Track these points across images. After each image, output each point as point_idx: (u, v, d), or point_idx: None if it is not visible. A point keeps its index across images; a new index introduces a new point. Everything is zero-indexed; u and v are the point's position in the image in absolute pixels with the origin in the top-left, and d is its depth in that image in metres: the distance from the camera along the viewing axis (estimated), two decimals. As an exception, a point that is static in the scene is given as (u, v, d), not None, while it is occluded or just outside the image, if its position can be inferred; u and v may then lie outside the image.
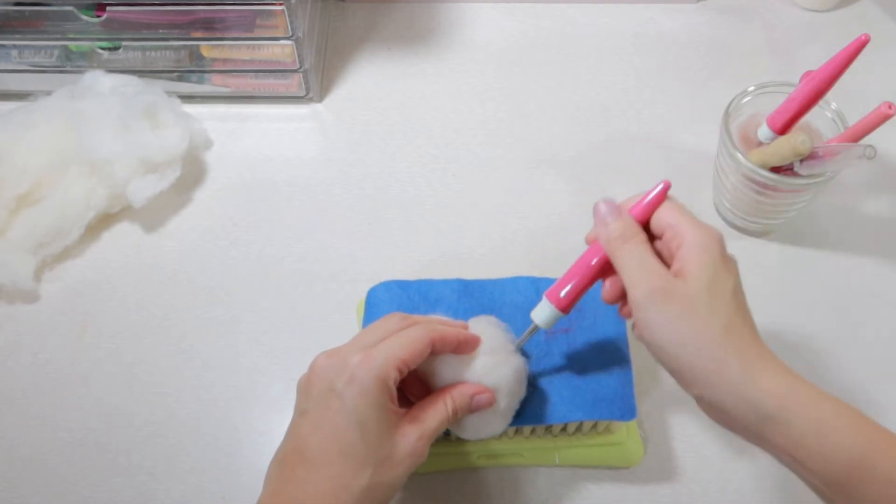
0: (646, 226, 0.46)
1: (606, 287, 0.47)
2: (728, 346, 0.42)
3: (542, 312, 0.48)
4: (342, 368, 0.44)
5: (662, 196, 0.46)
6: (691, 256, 0.43)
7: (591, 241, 0.47)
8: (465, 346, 0.48)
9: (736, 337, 0.42)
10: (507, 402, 0.49)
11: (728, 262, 0.44)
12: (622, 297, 0.46)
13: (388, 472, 0.44)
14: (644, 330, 0.44)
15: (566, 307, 0.48)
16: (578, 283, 0.47)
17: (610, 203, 0.46)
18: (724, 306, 0.43)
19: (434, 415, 0.46)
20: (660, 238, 0.46)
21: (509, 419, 0.50)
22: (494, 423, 0.50)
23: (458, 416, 0.47)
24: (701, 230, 0.44)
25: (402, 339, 0.45)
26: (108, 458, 0.58)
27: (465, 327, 0.50)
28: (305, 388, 0.46)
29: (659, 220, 0.46)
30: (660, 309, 0.43)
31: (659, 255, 0.45)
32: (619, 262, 0.45)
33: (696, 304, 0.42)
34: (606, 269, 0.46)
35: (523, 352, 0.51)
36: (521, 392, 0.50)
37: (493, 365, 0.48)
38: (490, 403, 0.48)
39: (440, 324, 0.49)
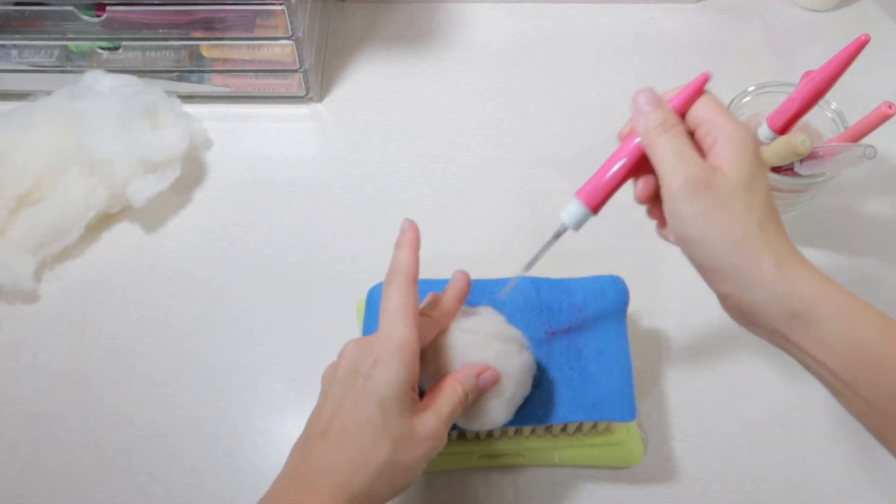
0: (682, 119, 0.45)
1: (639, 186, 0.46)
2: (762, 242, 0.41)
3: (572, 212, 0.46)
4: (368, 353, 0.45)
5: (700, 87, 0.44)
6: (728, 152, 0.42)
7: (625, 136, 0.46)
8: (463, 293, 0.51)
9: (770, 234, 0.42)
10: (514, 392, 0.49)
11: (761, 163, 0.43)
12: (655, 197, 0.45)
13: (406, 452, 0.45)
14: (678, 223, 0.43)
15: (596, 206, 0.46)
16: (610, 180, 0.45)
17: (649, 92, 0.45)
18: (759, 203, 0.42)
19: (446, 400, 0.47)
20: (693, 133, 0.45)
21: (513, 411, 0.50)
22: (499, 410, 0.49)
23: (469, 399, 0.48)
24: (737, 126, 0.43)
25: (394, 306, 0.46)
26: (108, 458, 0.58)
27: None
28: (332, 373, 0.47)
29: (695, 113, 0.44)
30: (696, 200, 0.41)
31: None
32: (657, 152, 0.43)
33: (733, 198, 0.41)
34: (639, 166, 0.45)
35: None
36: (528, 385, 0.50)
37: (506, 353, 0.49)
38: (495, 379, 0.48)
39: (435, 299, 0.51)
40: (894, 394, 0.39)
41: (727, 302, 0.44)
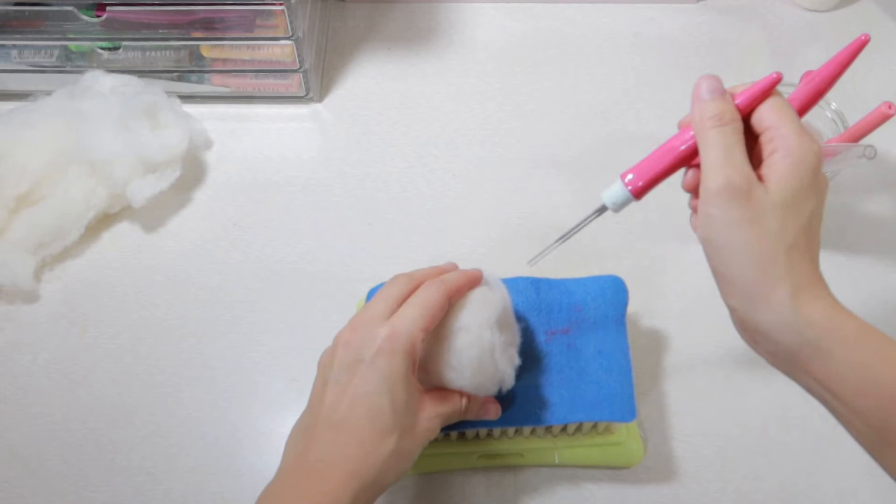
0: (746, 120, 0.43)
1: (688, 177, 0.45)
2: (785, 267, 0.40)
3: (614, 193, 0.45)
4: (370, 341, 0.45)
5: (770, 87, 0.42)
6: (781, 166, 0.40)
7: (684, 125, 0.44)
8: (475, 283, 0.50)
9: (796, 260, 0.40)
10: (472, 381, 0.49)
11: (817, 184, 0.41)
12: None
13: (409, 441, 0.45)
14: (706, 224, 0.41)
15: (640, 192, 0.45)
16: (658, 167, 0.44)
17: (713, 79, 0.43)
18: (795, 227, 0.40)
19: (450, 402, 0.48)
20: (756, 137, 0.43)
21: (513, 358, 0.50)
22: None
23: (467, 415, 0.49)
24: (800, 141, 0.41)
25: (422, 305, 0.46)
26: (108, 458, 0.58)
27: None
28: (329, 360, 0.47)
29: (761, 116, 0.42)
30: (731, 207, 0.40)
31: (750, 153, 0.42)
32: (705, 145, 0.41)
33: (768, 216, 0.40)
34: (692, 157, 0.43)
35: (519, 318, 0.52)
36: (514, 334, 0.51)
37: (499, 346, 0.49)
38: (497, 414, 0.51)
39: (441, 273, 0.50)
40: None
41: (735, 315, 0.43)
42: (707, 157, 0.41)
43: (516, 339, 0.51)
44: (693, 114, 0.43)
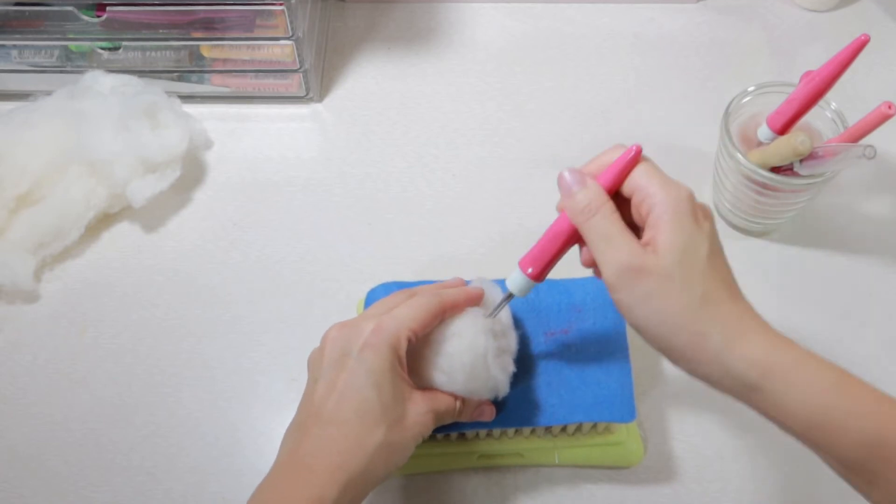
0: (616, 191, 0.44)
1: (584, 254, 0.46)
2: (706, 318, 0.40)
3: (517, 281, 0.47)
4: (356, 336, 0.46)
5: (633, 163, 0.43)
6: (661, 223, 0.41)
7: (561, 210, 0.46)
8: (473, 301, 0.50)
9: (713, 307, 0.41)
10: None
11: (700, 222, 0.42)
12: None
13: (398, 434, 0.45)
14: (621, 310, 0.42)
15: (538, 276, 0.47)
16: (551, 251, 0.46)
17: (574, 172, 0.44)
18: (699, 275, 0.41)
19: (444, 399, 0.48)
20: (629, 202, 0.44)
21: (508, 367, 0.50)
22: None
23: (461, 416, 0.49)
24: (668, 191, 0.42)
25: (413, 307, 0.47)
26: (108, 458, 0.58)
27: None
28: (318, 358, 0.47)
29: (629, 182, 0.43)
30: (632, 288, 0.41)
31: (631, 220, 0.44)
32: (587, 237, 0.43)
33: (669, 280, 0.40)
34: (578, 237, 0.45)
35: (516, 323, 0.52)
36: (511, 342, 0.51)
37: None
38: (491, 416, 0.51)
39: (442, 288, 0.50)
40: (856, 446, 0.39)
41: (692, 376, 0.43)
42: (593, 247, 0.43)
43: (513, 346, 0.51)
44: (566, 208, 0.44)
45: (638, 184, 0.43)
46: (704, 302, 0.41)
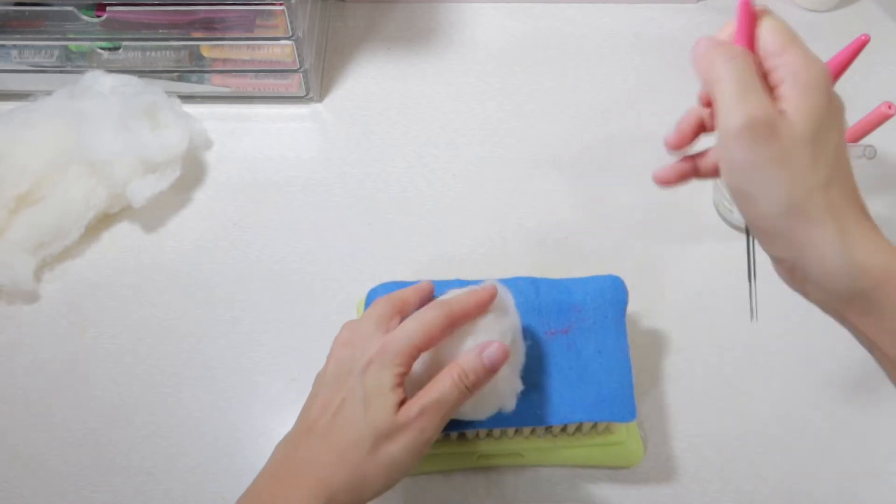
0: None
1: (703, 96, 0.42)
2: (826, 205, 0.36)
3: None
4: (360, 355, 0.45)
5: (751, 16, 0.39)
6: (797, 95, 0.37)
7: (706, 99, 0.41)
8: (481, 308, 0.47)
9: (836, 196, 0.37)
10: (514, 360, 0.48)
11: (835, 107, 0.38)
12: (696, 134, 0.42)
13: (389, 443, 0.43)
14: (730, 172, 0.38)
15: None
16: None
17: (706, 38, 0.40)
18: (828, 159, 0.37)
19: (435, 386, 0.44)
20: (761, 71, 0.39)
21: (518, 380, 0.49)
22: (507, 382, 0.48)
23: (471, 381, 0.45)
24: (808, 62, 0.38)
25: (420, 322, 0.45)
26: (108, 458, 0.58)
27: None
28: (322, 375, 0.47)
29: (761, 47, 0.39)
30: (756, 147, 0.36)
31: None
32: (719, 83, 0.38)
33: (796, 151, 0.36)
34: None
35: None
36: (521, 346, 0.50)
37: (489, 325, 0.47)
38: (505, 353, 0.46)
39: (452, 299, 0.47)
40: None
41: (780, 266, 0.40)
42: (722, 93, 0.38)
43: (520, 360, 0.50)
44: (700, 62, 0.39)
45: (771, 48, 0.39)
46: (827, 188, 0.37)
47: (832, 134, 0.37)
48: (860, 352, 0.61)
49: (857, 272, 0.36)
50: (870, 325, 0.37)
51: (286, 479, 0.44)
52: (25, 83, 0.73)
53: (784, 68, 0.38)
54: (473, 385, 0.45)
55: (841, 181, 0.38)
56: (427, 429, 0.44)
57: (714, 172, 0.43)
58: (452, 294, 0.49)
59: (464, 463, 0.56)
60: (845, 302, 0.37)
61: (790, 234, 0.37)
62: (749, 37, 0.39)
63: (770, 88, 0.39)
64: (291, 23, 0.68)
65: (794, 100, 0.37)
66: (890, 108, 0.55)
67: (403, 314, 0.48)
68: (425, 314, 0.46)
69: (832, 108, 0.38)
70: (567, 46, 0.80)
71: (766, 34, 0.39)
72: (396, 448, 0.44)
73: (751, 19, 0.39)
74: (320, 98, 0.76)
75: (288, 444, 0.46)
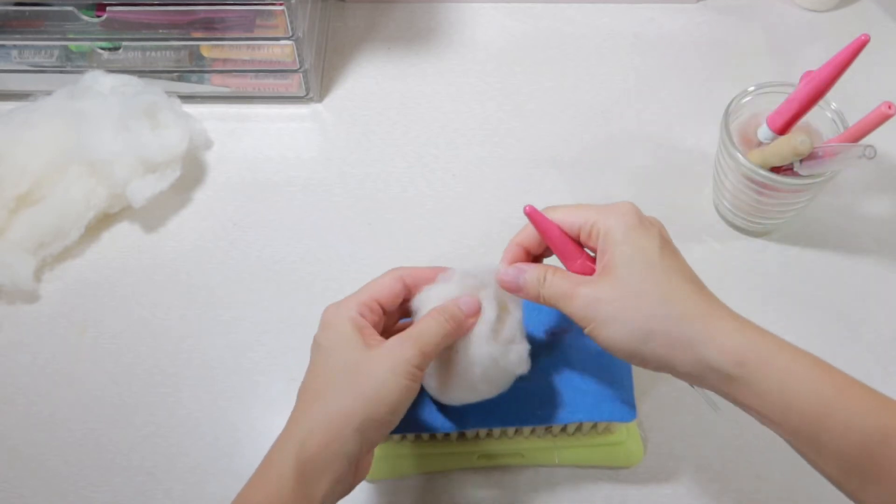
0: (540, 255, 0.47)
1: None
2: (673, 317, 0.41)
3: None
4: (320, 324, 0.47)
5: (536, 218, 0.45)
6: (608, 241, 0.43)
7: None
8: (433, 272, 0.49)
9: (678, 305, 0.41)
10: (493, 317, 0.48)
11: (647, 228, 0.43)
12: None
13: (366, 375, 0.43)
14: (599, 343, 0.44)
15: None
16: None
17: (507, 269, 0.47)
18: (656, 278, 0.42)
19: (426, 328, 0.45)
20: (582, 238, 0.46)
21: (523, 351, 0.49)
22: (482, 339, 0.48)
23: (454, 326, 0.46)
24: (605, 210, 0.44)
25: (371, 284, 0.48)
26: (108, 458, 0.58)
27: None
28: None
29: (567, 225, 0.45)
30: (597, 317, 0.42)
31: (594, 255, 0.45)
32: (551, 304, 0.45)
33: (626, 294, 0.41)
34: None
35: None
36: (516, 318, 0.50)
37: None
38: (476, 304, 0.47)
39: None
40: (838, 436, 0.39)
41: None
42: (561, 309, 0.45)
43: (519, 322, 0.49)
44: (526, 298, 0.47)
45: (574, 221, 0.45)
46: (667, 302, 0.41)
47: (651, 254, 0.42)
48: (860, 352, 0.61)
49: (721, 359, 0.40)
50: (749, 399, 0.41)
51: (271, 452, 0.44)
52: (25, 83, 0.73)
53: (589, 227, 0.44)
54: (452, 317, 0.46)
55: (678, 288, 0.42)
56: (413, 378, 0.43)
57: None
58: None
59: (464, 463, 0.56)
60: (725, 387, 0.41)
61: (660, 355, 0.42)
62: (551, 230, 0.46)
63: (593, 250, 0.45)
64: (291, 23, 0.68)
65: (607, 247, 0.43)
66: (890, 108, 0.55)
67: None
68: (379, 277, 0.49)
69: (642, 231, 0.43)
70: (567, 46, 0.80)
71: (562, 215, 0.45)
72: (375, 380, 0.43)
73: (541, 220, 0.45)
74: (320, 98, 0.76)
75: (297, 401, 0.46)
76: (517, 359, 0.48)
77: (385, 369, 0.43)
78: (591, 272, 0.46)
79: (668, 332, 0.41)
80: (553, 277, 0.45)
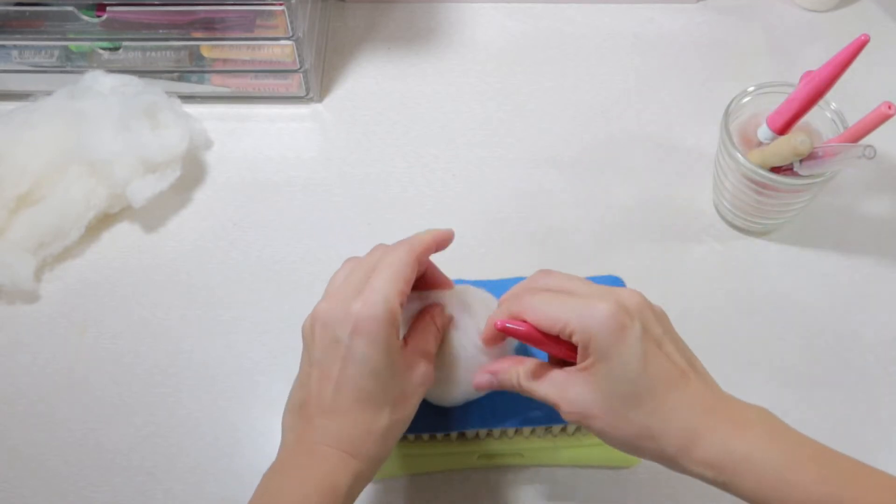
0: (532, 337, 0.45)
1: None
2: (654, 436, 0.42)
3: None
4: (345, 318, 0.43)
5: (505, 322, 0.44)
6: (587, 351, 0.42)
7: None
8: (444, 243, 0.49)
9: (658, 421, 0.41)
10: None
11: (628, 334, 0.41)
12: None
13: (403, 409, 0.45)
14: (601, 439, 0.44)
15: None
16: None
17: (481, 373, 0.47)
18: (636, 396, 0.41)
19: (427, 337, 0.47)
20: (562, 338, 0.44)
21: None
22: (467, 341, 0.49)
23: (442, 331, 0.49)
24: (585, 313, 0.41)
25: (391, 270, 0.44)
26: (108, 458, 0.58)
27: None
28: (310, 335, 0.45)
29: (544, 328, 0.43)
30: (586, 425, 0.43)
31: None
32: (544, 398, 0.45)
33: (608, 411, 0.42)
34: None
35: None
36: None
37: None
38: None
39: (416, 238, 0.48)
40: None
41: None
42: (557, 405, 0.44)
43: (480, 312, 0.50)
44: (519, 389, 0.46)
45: (552, 326, 0.42)
46: (648, 426, 0.41)
47: (631, 365, 0.41)
48: (860, 352, 0.61)
49: (702, 470, 0.42)
50: (745, 496, 0.42)
51: (314, 455, 0.43)
52: (25, 83, 0.73)
53: (563, 329, 0.42)
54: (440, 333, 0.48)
55: (664, 392, 0.41)
56: (429, 379, 0.47)
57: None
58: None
59: (464, 463, 0.56)
60: (717, 486, 0.42)
61: (655, 460, 0.43)
62: (529, 335, 0.44)
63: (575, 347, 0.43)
64: (291, 23, 0.68)
65: (585, 349, 0.42)
66: (890, 108, 0.55)
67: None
68: (391, 258, 0.45)
69: (619, 337, 0.41)
70: (567, 46, 0.80)
71: (543, 307, 0.43)
72: (408, 408, 0.46)
73: (517, 332, 0.44)
74: (320, 98, 0.76)
75: (299, 418, 0.45)
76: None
77: (418, 396, 0.46)
78: (574, 357, 0.44)
79: (652, 451, 0.42)
80: (538, 370, 0.45)
